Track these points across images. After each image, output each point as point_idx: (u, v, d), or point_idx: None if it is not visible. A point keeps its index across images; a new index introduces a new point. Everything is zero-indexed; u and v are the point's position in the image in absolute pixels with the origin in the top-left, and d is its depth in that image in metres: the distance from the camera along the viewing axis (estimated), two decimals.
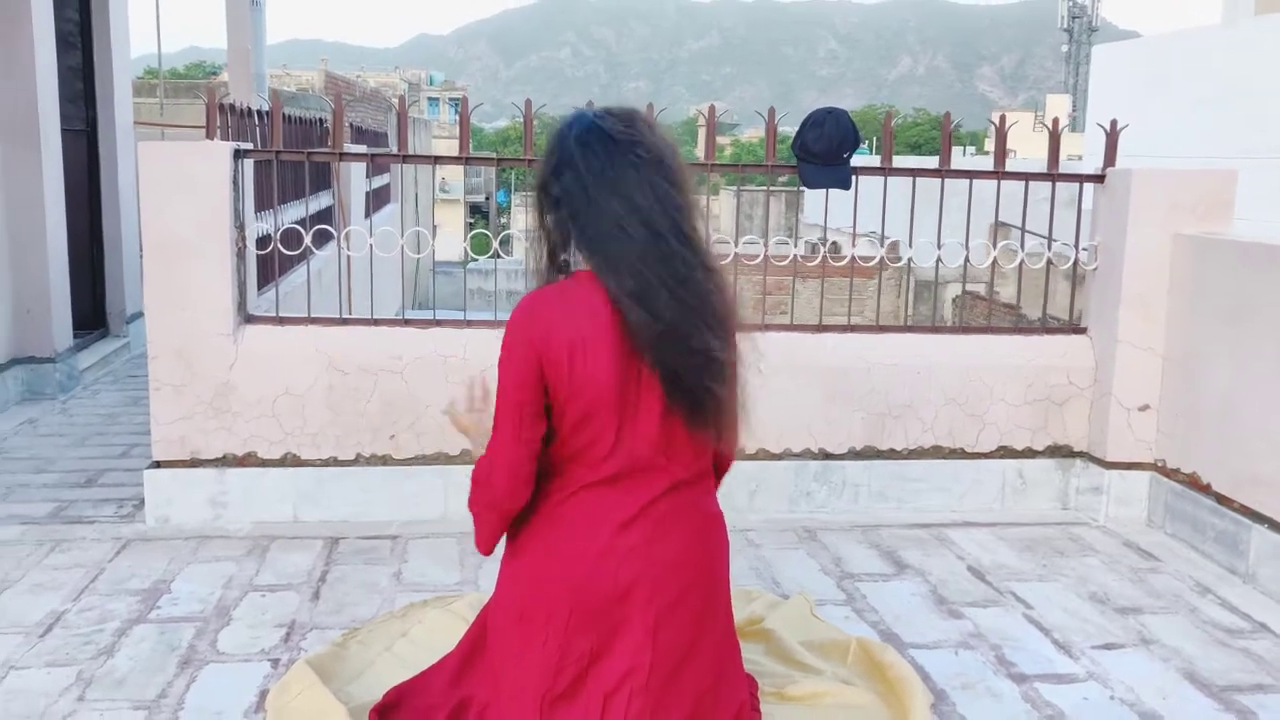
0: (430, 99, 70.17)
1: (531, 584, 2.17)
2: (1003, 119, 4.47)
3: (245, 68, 11.62)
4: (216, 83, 19.12)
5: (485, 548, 2.25)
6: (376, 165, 11.10)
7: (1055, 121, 4.47)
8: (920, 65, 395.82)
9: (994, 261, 4.53)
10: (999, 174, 4.41)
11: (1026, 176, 4.45)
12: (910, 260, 4.57)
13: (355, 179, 9.33)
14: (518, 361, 2.06)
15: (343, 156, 4.25)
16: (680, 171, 2.11)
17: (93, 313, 7.11)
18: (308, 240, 4.28)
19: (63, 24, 6.56)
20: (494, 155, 4.85)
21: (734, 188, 19.63)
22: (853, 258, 4.42)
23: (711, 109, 4.39)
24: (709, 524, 2.27)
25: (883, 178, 4.32)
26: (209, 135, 4.13)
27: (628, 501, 2.13)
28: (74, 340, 6.42)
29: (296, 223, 5.79)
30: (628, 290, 2.00)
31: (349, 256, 4.75)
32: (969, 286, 8.75)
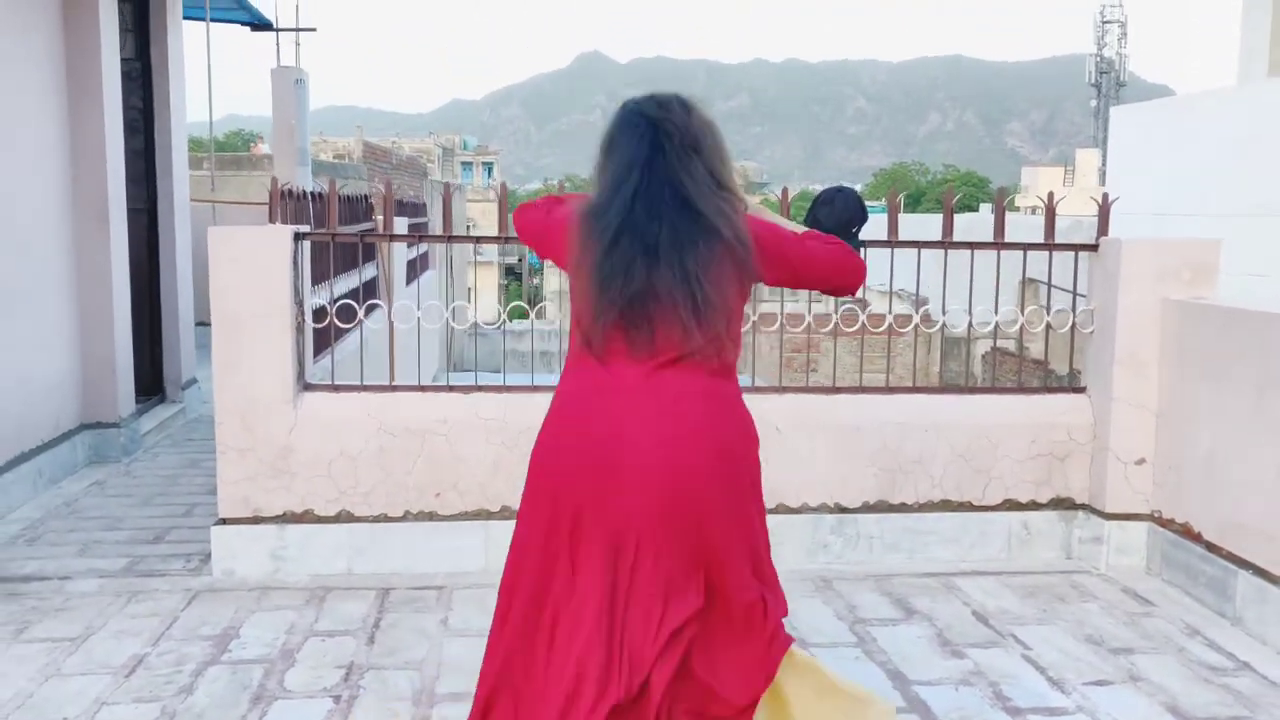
0: (464, 163, 71.50)
1: (539, 448, 2.52)
2: (1001, 191, 4.81)
3: (290, 143, 12.20)
4: (259, 154, 19.77)
5: None
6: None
7: (1050, 195, 4.81)
8: (949, 121, 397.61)
9: (996, 326, 4.85)
10: (998, 245, 4.74)
11: (1024, 246, 4.78)
12: (917, 325, 4.89)
13: (398, 248, 9.79)
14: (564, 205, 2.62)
15: (393, 238, 4.64)
16: (709, 149, 2.51)
17: (152, 379, 7.53)
18: (361, 314, 4.66)
19: (128, 111, 7.05)
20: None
21: None
22: (862, 325, 4.75)
23: None
24: (691, 396, 2.46)
25: (890, 250, 4.69)
26: (271, 219, 4.54)
27: (612, 375, 2.45)
28: (135, 405, 6.83)
29: (349, 293, 6.22)
30: (605, 233, 2.42)
31: (393, 324, 5.15)
32: (1001, 342, 8.99)
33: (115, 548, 4.80)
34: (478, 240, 4.73)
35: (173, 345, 7.70)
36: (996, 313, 4.83)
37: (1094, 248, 4.76)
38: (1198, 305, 4.38)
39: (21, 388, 5.63)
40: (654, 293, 2.40)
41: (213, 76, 11.11)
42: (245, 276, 4.37)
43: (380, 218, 8.80)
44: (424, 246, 12.10)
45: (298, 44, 12.28)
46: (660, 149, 2.47)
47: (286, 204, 4.72)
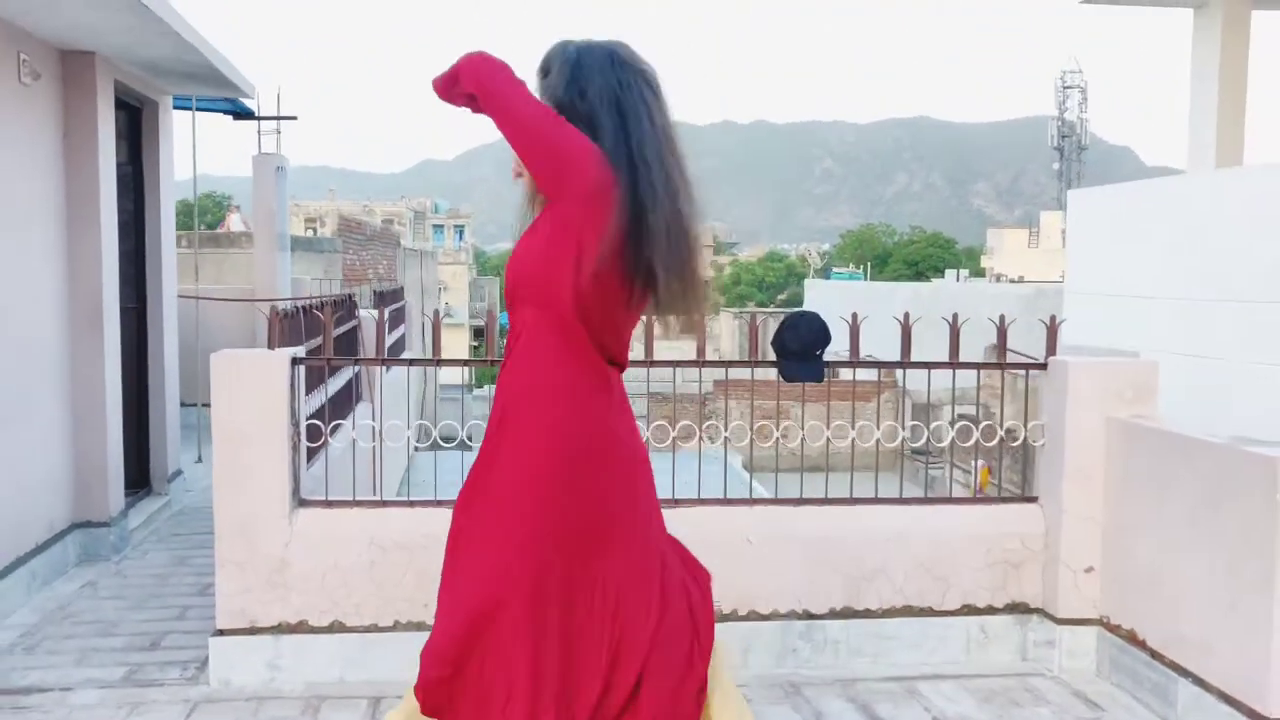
0: (435, 225, 72.12)
1: (556, 441, 2.66)
2: (955, 316, 5.13)
3: (270, 227, 12.49)
4: (234, 233, 19.98)
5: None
6: (393, 320, 11.85)
7: (1002, 318, 5.14)
8: (916, 182, 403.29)
9: (953, 441, 5.16)
10: (954, 364, 5.06)
11: (978, 366, 5.12)
12: (875, 436, 5.19)
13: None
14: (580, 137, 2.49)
15: (384, 362, 4.91)
16: (662, 93, 2.55)
17: (138, 472, 7.73)
18: (353, 434, 4.92)
19: (121, 213, 7.31)
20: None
21: (735, 309, 20.42)
22: (825, 421, 5.04)
23: None
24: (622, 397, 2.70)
25: (852, 370, 5.01)
26: (269, 344, 4.79)
27: (598, 372, 2.62)
28: (124, 501, 7.01)
29: (339, 391, 6.47)
30: (644, 185, 2.43)
31: (381, 435, 5.41)
32: (965, 409, 9.31)
33: (112, 655, 4.98)
34: (465, 363, 5.00)
35: (159, 439, 7.90)
36: (953, 428, 5.14)
37: (1043, 366, 5.09)
38: (1138, 426, 4.70)
39: (18, 491, 5.82)
40: (664, 262, 2.46)
41: (193, 140, 11.36)
42: (245, 400, 4.61)
43: (364, 314, 9.08)
44: (401, 331, 12.37)
45: (279, 131, 12.58)
46: (638, 89, 2.47)
47: (284, 324, 4.98)
